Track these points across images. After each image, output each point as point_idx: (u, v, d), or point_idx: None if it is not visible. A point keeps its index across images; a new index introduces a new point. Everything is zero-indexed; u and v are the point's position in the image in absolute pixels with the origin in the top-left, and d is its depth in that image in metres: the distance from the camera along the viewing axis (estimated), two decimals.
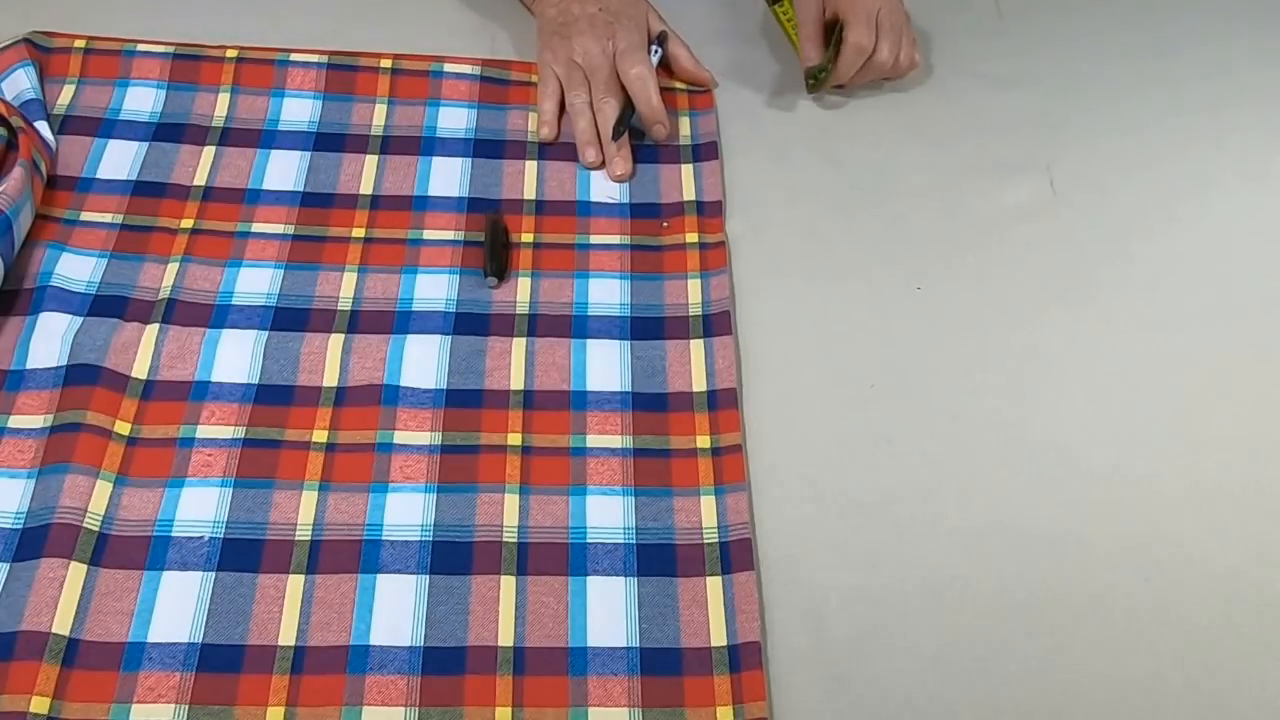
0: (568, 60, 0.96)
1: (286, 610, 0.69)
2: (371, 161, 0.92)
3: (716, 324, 0.84)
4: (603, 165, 0.94)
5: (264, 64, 0.97)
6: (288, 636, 0.68)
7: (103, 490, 0.73)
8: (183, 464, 0.75)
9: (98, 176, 0.90)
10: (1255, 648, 0.71)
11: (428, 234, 0.88)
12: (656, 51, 0.98)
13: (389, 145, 0.94)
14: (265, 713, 0.66)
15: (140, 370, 0.79)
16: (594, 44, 0.96)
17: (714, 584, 0.71)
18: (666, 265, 0.87)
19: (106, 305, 0.82)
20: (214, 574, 0.70)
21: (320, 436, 0.77)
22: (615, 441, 0.78)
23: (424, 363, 0.80)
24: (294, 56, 0.98)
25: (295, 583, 0.70)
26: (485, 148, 0.94)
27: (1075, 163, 0.97)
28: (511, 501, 0.74)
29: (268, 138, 0.93)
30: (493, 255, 0.86)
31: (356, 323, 0.82)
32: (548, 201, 0.91)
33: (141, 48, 0.97)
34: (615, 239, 0.89)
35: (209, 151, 0.92)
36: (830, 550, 0.74)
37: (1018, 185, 0.95)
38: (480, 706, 0.66)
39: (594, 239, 0.89)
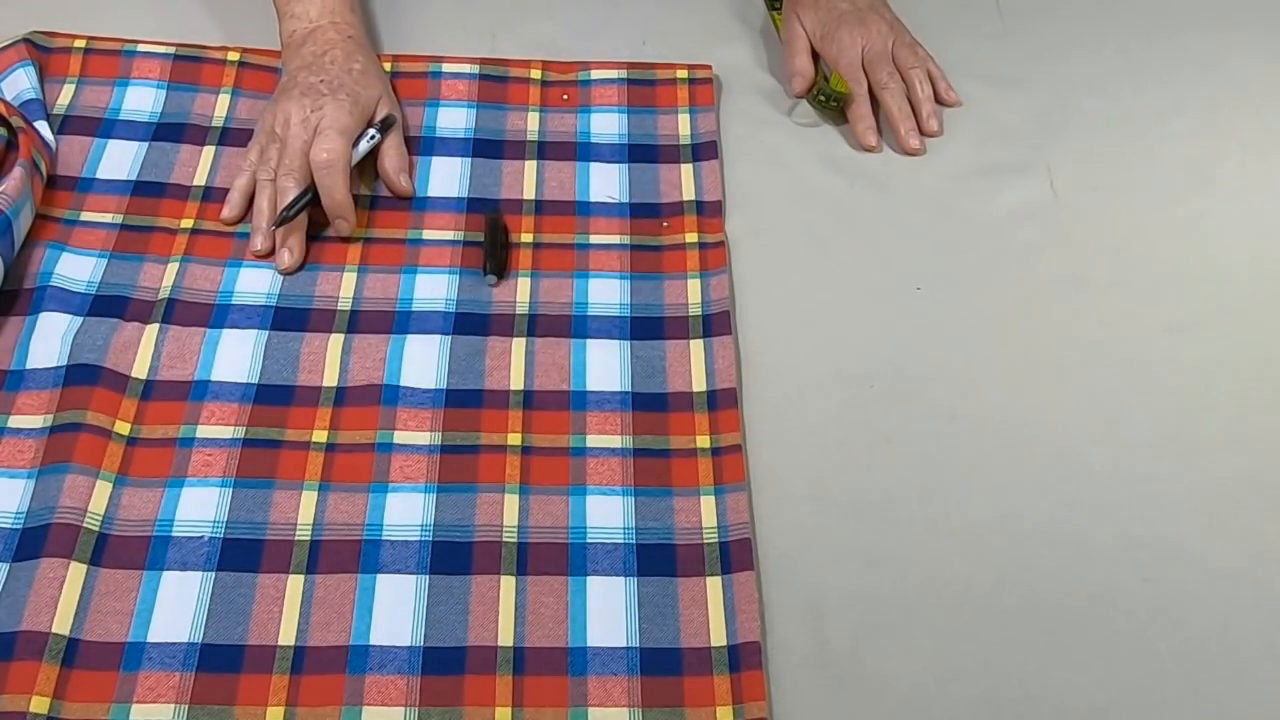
0: (269, 129, 0.88)
1: (286, 610, 0.69)
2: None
3: (716, 324, 0.84)
4: (271, 254, 0.85)
5: (265, 70, 0.97)
6: (288, 636, 0.68)
7: (103, 490, 0.73)
8: (183, 464, 0.75)
9: (98, 176, 0.90)
10: (1255, 648, 0.71)
11: (427, 234, 0.88)
12: (372, 138, 0.89)
13: None
14: (265, 713, 0.66)
15: (140, 370, 0.79)
16: (297, 113, 0.87)
17: (714, 584, 0.71)
18: (666, 265, 0.87)
19: (106, 305, 0.82)
20: (214, 574, 0.70)
21: (320, 436, 0.77)
22: (615, 441, 0.78)
23: (424, 363, 0.80)
24: None
25: (295, 583, 0.70)
26: (485, 147, 0.94)
27: (1075, 163, 0.97)
28: (511, 501, 0.74)
29: None
30: (492, 253, 0.86)
31: (356, 323, 0.82)
32: (547, 201, 0.91)
33: (141, 48, 0.97)
34: (615, 239, 0.89)
35: (209, 151, 0.92)
36: (830, 550, 0.74)
37: (1018, 186, 0.95)
38: (480, 706, 0.66)
39: (594, 239, 0.89)
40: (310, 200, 0.85)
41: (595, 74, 0.99)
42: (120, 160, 0.91)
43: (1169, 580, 0.73)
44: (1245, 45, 1.08)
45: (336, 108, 0.88)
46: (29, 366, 0.78)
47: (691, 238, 0.89)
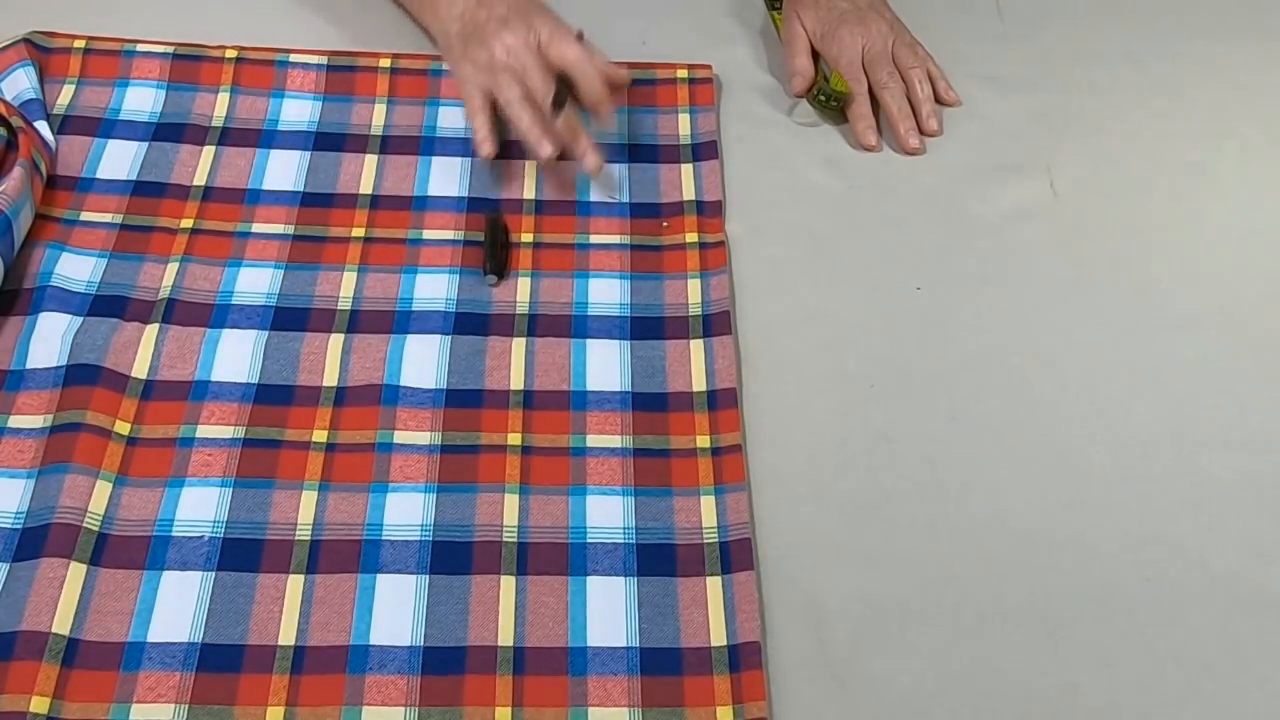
0: (490, 64, 0.91)
1: (286, 610, 0.69)
2: (371, 161, 0.92)
3: (716, 324, 0.84)
4: (561, 158, 0.90)
5: (264, 64, 0.97)
6: (287, 636, 0.68)
7: (102, 490, 0.73)
8: (183, 464, 0.75)
9: (97, 176, 0.90)
10: (1255, 648, 0.71)
11: (427, 234, 0.88)
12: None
13: (389, 145, 0.94)
14: (265, 712, 0.66)
15: (140, 370, 0.79)
16: (515, 39, 0.91)
17: (714, 584, 0.71)
18: (666, 265, 0.87)
19: (106, 305, 0.82)
20: (214, 574, 0.70)
21: (320, 436, 0.77)
22: (615, 441, 0.77)
23: (424, 362, 0.80)
24: (293, 57, 0.98)
25: (295, 583, 0.70)
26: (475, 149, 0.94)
27: (1075, 164, 0.97)
28: (511, 501, 0.74)
29: (267, 138, 0.93)
30: (492, 253, 0.86)
31: (356, 322, 0.82)
32: (547, 201, 0.91)
33: (141, 48, 0.97)
34: (615, 239, 0.89)
35: (209, 151, 0.92)
36: (830, 550, 0.74)
37: (1018, 186, 0.95)
38: (480, 706, 0.66)
39: (594, 239, 0.89)
40: (567, 92, 0.89)
41: None
42: (120, 160, 0.91)
43: (1169, 580, 0.73)
44: (1245, 45, 1.08)
45: (545, 20, 0.92)
46: (29, 366, 0.78)
47: (691, 238, 0.89)
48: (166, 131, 0.93)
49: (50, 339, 0.79)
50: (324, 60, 0.98)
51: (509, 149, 0.93)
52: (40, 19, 0.99)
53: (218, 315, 0.82)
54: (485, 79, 0.92)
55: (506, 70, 0.91)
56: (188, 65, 0.97)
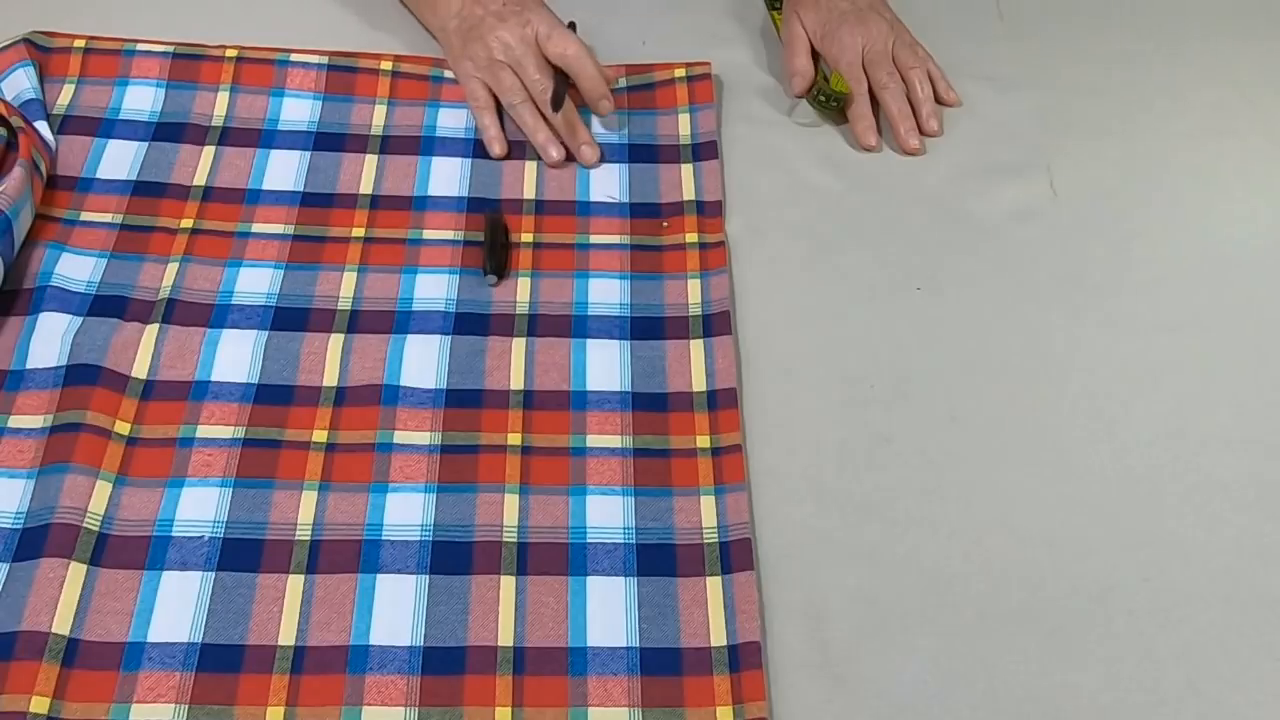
0: (489, 61, 0.93)
1: (286, 610, 0.69)
2: (371, 161, 0.92)
3: (716, 324, 0.84)
4: (569, 159, 0.92)
5: (264, 64, 0.97)
6: (287, 636, 0.68)
7: (102, 490, 0.73)
8: (182, 464, 0.75)
9: (97, 176, 0.90)
10: (1255, 648, 0.71)
11: (427, 234, 0.88)
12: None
13: (389, 145, 0.94)
14: (265, 713, 0.65)
15: (140, 370, 0.79)
16: (511, 34, 0.92)
17: (714, 584, 0.71)
18: (666, 265, 0.87)
19: (106, 305, 0.82)
20: (214, 574, 0.70)
21: (320, 436, 0.77)
22: (615, 441, 0.77)
23: (424, 362, 0.80)
24: (294, 57, 0.98)
25: (295, 583, 0.70)
26: (485, 147, 0.94)
27: (1075, 164, 0.97)
28: (511, 501, 0.74)
29: (267, 138, 0.93)
30: (492, 253, 0.86)
31: (356, 323, 0.82)
32: (547, 201, 0.91)
33: (141, 47, 0.97)
34: (615, 239, 0.89)
35: (209, 151, 0.92)
36: (830, 550, 0.74)
37: (1018, 186, 0.95)
38: (480, 706, 0.66)
39: (594, 239, 0.89)
40: (565, 86, 0.91)
41: None
42: (120, 160, 0.91)
43: (1169, 580, 0.73)
44: (1245, 46, 1.08)
45: (542, 15, 0.93)
46: (29, 366, 0.78)
47: (691, 238, 0.89)
48: (166, 131, 0.93)
49: (50, 339, 0.79)
50: (324, 60, 0.98)
51: (515, 147, 0.94)
52: (40, 19, 0.99)
53: (218, 315, 0.82)
54: (485, 75, 0.93)
55: (505, 67, 0.92)
56: (188, 65, 0.97)
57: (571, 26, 0.96)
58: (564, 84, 0.92)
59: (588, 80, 0.91)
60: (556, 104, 0.90)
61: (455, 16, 0.96)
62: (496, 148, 0.93)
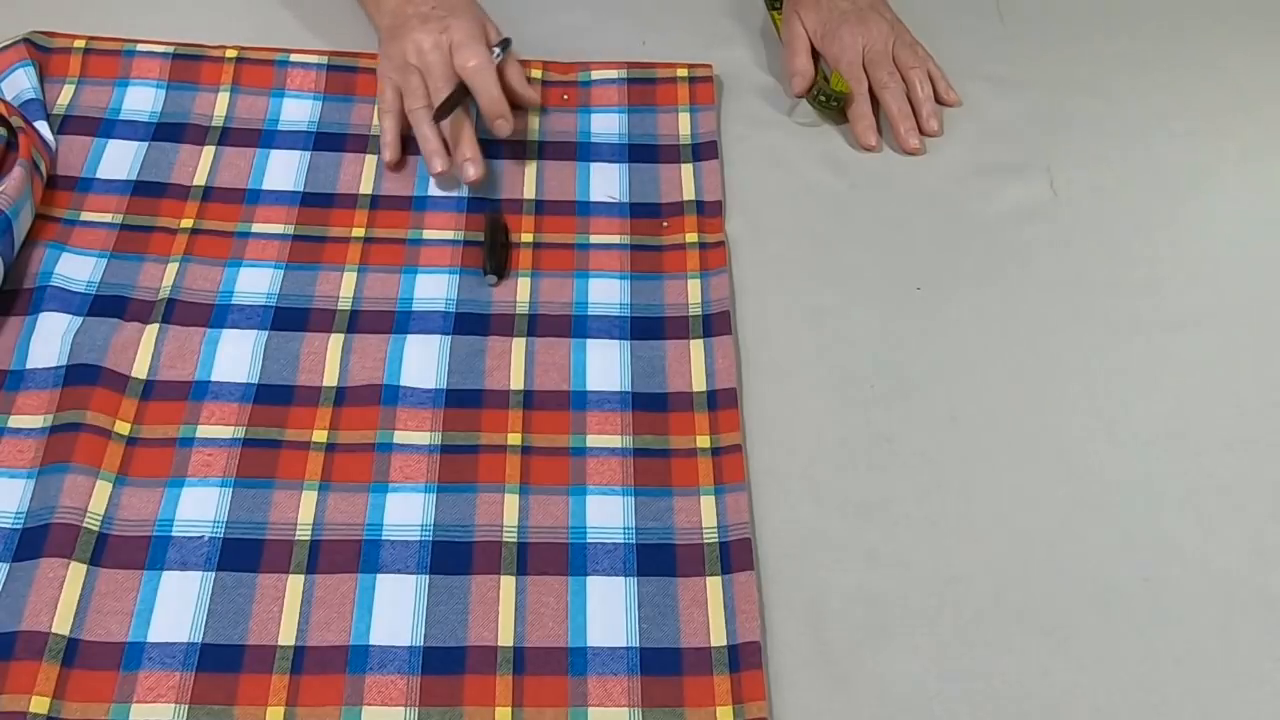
0: (402, 63, 0.91)
1: (286, 610, 0.69)
2: (371, 161, 0.92)
3: (716, 324, 0.84)
4: (450, 171, 0.90)
5: (264, 64, 0.97)
6: (287, 636, 0.68)
7: (102, 490, 0.73)
8: (182, 464, 0.75)
9: (97, 176, 0.90)
10: (1255, 648, 0.71)
11: (427, 234, 0.88)
12: (498, 55, 0.92)
13: None
14: (265, 713, 0.66)
15: (140, 370, 0.79)
16: (426, 38, 0.91)
17: (714, 584, 0.71)
18: (666, 265, 0.87)
19: (106, 305, 0.82)
20: (214, 574, 0.70)
21: (320, 436, 0.77)
22: (615, 441, 0.77)
23: (424, 362, 0.80)
24: (294, 57, 0.98)
25: (295, 583, 0.70)
26: (485, 147, 0.94)
27: (1075, 164, 0.97)
28: (511, 501, 0.74)
29: (267, 138, 0.93)
30: (492, 253, 0.86)
31: (356, 323, 0.82)
32: (547, 201, 0.91)
33: (141, 48, 0.97)
34: (615, 239, 0.89)
35: (209, 151, 0.92)
36: (830, 550, 0.74)
37: (1018, 186, 0.95)
38: (480, 706, 0.66)
39: (594, 239, 0.89)
40: (463, 98, 0.90)
41: (595, 74, 0.99)
42: (120, 160, 0.91)
43: (1169, 580, 0.73)
44: (1245, 46, 1.08)
45: (462, 24, 0.91)
46: (29, 366, 0.78)
47: (691, 238, 0.89)
48: (166, 131, 0.93)
49: (50, 339, 0.79)
50: (324, 60, 0.98)
51: (514, 147, 0.94)
52: (40, 19, 0.99)
53: (218, 315, 0.82)
54: (397, 76, 0.92)
55: (415, 71, 0.91)
56: (188, 65, 0.97)
57: (504, 43, 0.94)
58: (460, 96, 0.90)
59: (484, 99, 0.90)
60: (439, 114, 0.89)
61: (389, 14, 0.94)
62: (388, 154, 0.91)
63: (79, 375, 0.77)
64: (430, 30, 0.91)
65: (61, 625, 0.67)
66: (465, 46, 0.90)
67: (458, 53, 0.90)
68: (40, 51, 0.96)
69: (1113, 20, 1.10)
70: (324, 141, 0.94)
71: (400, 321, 0.83)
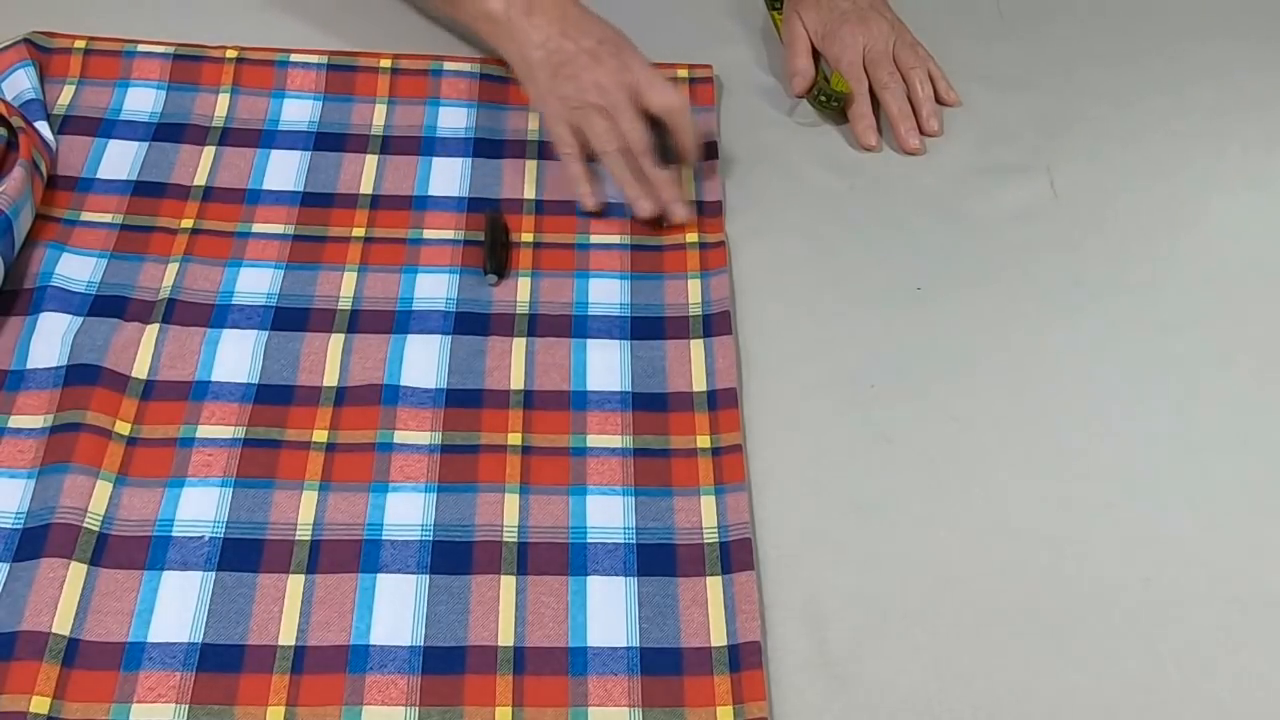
0: (581, 103, 0.88)
1: (286, 610, 0.69)
2: (371, 161, 0.92)
3: (716, 324, 0.84)
4: (660, 214, 0.88)
5: (264, 64, 0.97)
6: (288, 636, 0.68)
7: (103, 490, 0.73)
8: (183, 464, 0.75)
9: (98, 176, 0.90)
10: (1255, 648, 0.71)
11: (428, 233, 0.88)
12: None
13: (389, 145, 0.94)
14: (265, 712, 0.65)
15: (140, 370, 0.79)
16: (608, 78, 0.87)
17: (714, 584, 0.71)
18: (666, 265, 0.87)
19: (106, 305, 0.82)
20: (214, 574, 0.70)
21: (320, 436, 0.77)
22: (615, 441, 0.77)
23: (424, 362, 0.80)
24: (294, 57, 0.98)
25: (295, 582, 0.70)
26: (485, 147, 0.94)
27: (1076, 165, 0.97)
28: (511, 501, 0.74)
29: (268, 138, 0.93)
30: (492, 253, 0.86)
31: (356, 322, 0.82)
32: (547, 201, 0.91)
33: (141, 48, 0.97)
34: (615, 238, 0.89)
35: (209, 151, 0.92)
36: (830, 550, 0.74)
37: (1018, 187, 0.95)
38: (480, 706, 0.66)
39: (594, 238, 0.89)
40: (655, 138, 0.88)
41: None
42: (120, 160, 0.91)
43: (1169, 580, 0.73)
44: (1245, 47, 1.08)
45: (639, 61, 0.89)
46: (29, 366, 0.78)
47: (692, 238, 0.89)
48: (167, 132, 0.93)
49: (50, 339, 0.79)
50: (324, 60, 0.98)
51: (515, 146, 0.94)
52: (40, 19, 0.99)
53: (218, 315, 0.82)
54: (575, 116, 0.89)
55: (598, 110, 0.88)
56: (188, 65, 0.97)
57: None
58: (664, 136, 0.88)
59: (684, 138, 0.88)
60: (665, 158, 0.87)
61: (540, 47, 0.90)
62: (589, 202, 0.89)
63: (79, 375, 0.77)
64: (611, 70, 0.88)
65: (62, 625, 0.67)
66: (656, 86, 0.88)
67: (650, 93, 0.87)
68: (41, 52, 0.96)
69: (1113, 20, 1.10)
70: (324, 141, 0.94)
71: (400, 321, 0.83)
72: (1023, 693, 0.68)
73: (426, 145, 0.94)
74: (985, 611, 0.71)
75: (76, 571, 0.69)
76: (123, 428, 0.76)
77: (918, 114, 0.98)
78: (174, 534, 0.72)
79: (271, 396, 0.78)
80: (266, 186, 0.90)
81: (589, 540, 0.73)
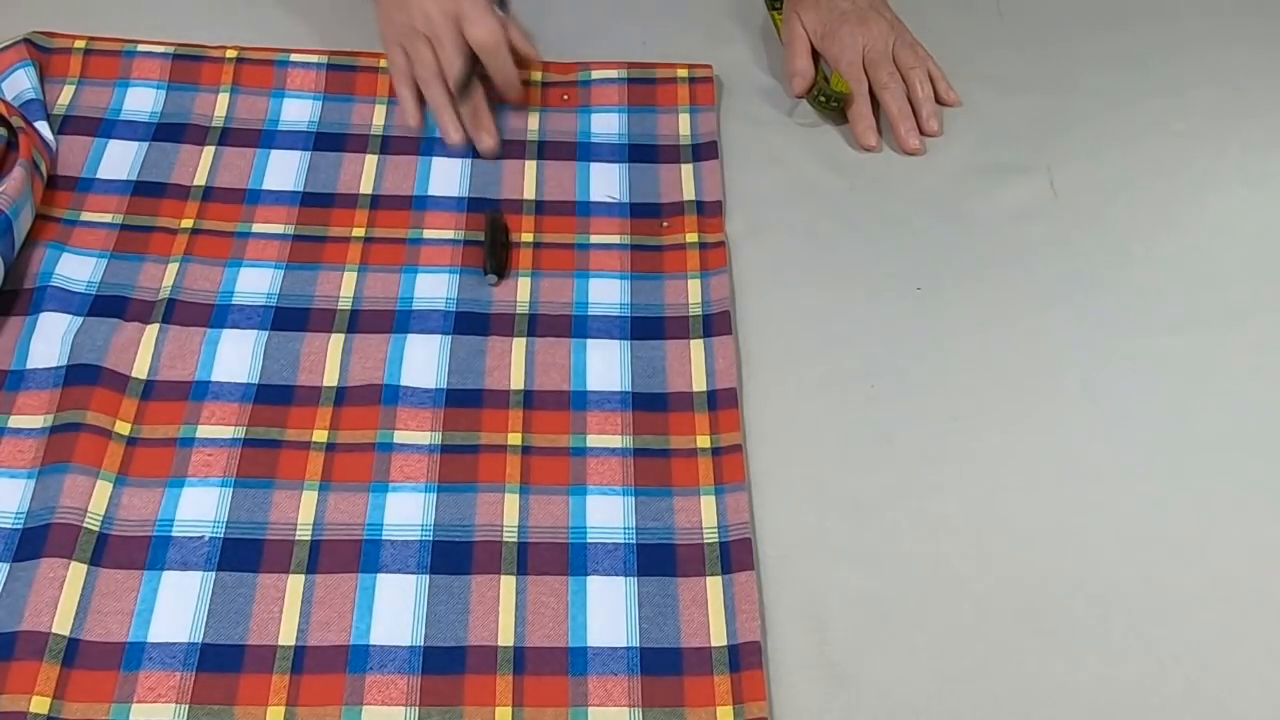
0: (409, 29, 0.92)
1: (286, 610, 0.69)
2: (371, 161, 0.92)
3: (716, 324, 0.84)
4: (468, 142, 0.92)
5: (264, 64, 0.97)
6: (288, 636, 0.68)
7: (103, 490, 0.73)
8: (183, 464, 0.75)
9: (98, 176, 0.90)
10: (1255, 648, 0.71)
11: (428, 233, 0.88)
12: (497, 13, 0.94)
13: (389, 145, 0.94)
14: (265, 712, 0.66)
15: (140, 370, 0.79)
16: (435, 7, 0.91)
17: (714, 584, 0.71)
18: (666, 265, 0.87)
19: (106, 305, 0.82)
20: (214, 574, 0.70)
21: (320, 436, 0.77)
22: (615, 441, 0.78)
23: (424, 362, 0.80)
24: (294, 57, 0.98)
25: (295, 582, 0.70)
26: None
27: (1076, 165, 0.97)
28: (511, 501, 0.74)
29: (267, 138, 0.93)
30: (492, 253, 0.86)
31: (356, 322, 0.82)
32: (547, 201, 0.91)
33: (141, 48, 0.97)
34: (615, 239, 0.89)
35: (209, 151, 0.92)
36: (830, 550, 0.74)
37: (1018, 187, 0.95)
38: (480, 706, 0.66)
39: (594, 239, 0.89)
40: (475, 68, 0.91)
41: (596, 74, 0.99)
42: (120, 160, 0.91)
43: (1169, 580, 0.73)
44: (1245, 48, 1.08)
45: None
46: (29, 366, 0.78)
47: (692, 238, 0.89)
48: (167, 132, 0.93)
49: (50, 339, 0.79)
50: (324, 60, 0.98)
51: (515, 146, 0.94)
52: (40, 19, 0.99)
53: (218, 315, 0.82)
54: (404, 42, 0.93)
55: (422, 38, 0.92)
56: (188, 65, 0.97)
57: (503, 3, 0.95)
58: (472, 67, 0.92)
59: (498, 74, 0.92)
60: (460, 89, 0.91)
61: None
62: (411, 119, 0.93)
63: (79, 375, 0.77)
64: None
65: (62, 625, 0.67)
66: (475, 19, 0.91)
67: (468, 23, 0.91)
68: (40, 52, 0.96)
69: (1113, 20, 1.10)
70: (324, 141, 0.94)
71: (400, 321, 0.83)
72: (1023, 693, 0.68)
73: (426, 145, 0.94)
74: (985, 612, 0.72)
75: (76, 571, 0.69)
76: (123, 428, 0.76)
77: (917, 114, 0.98)
78: (174, 534, 0.72)
79: (271, 396, 0.78)
80: (266, 186, 0.90)
81: (589, 540, 0.73)
